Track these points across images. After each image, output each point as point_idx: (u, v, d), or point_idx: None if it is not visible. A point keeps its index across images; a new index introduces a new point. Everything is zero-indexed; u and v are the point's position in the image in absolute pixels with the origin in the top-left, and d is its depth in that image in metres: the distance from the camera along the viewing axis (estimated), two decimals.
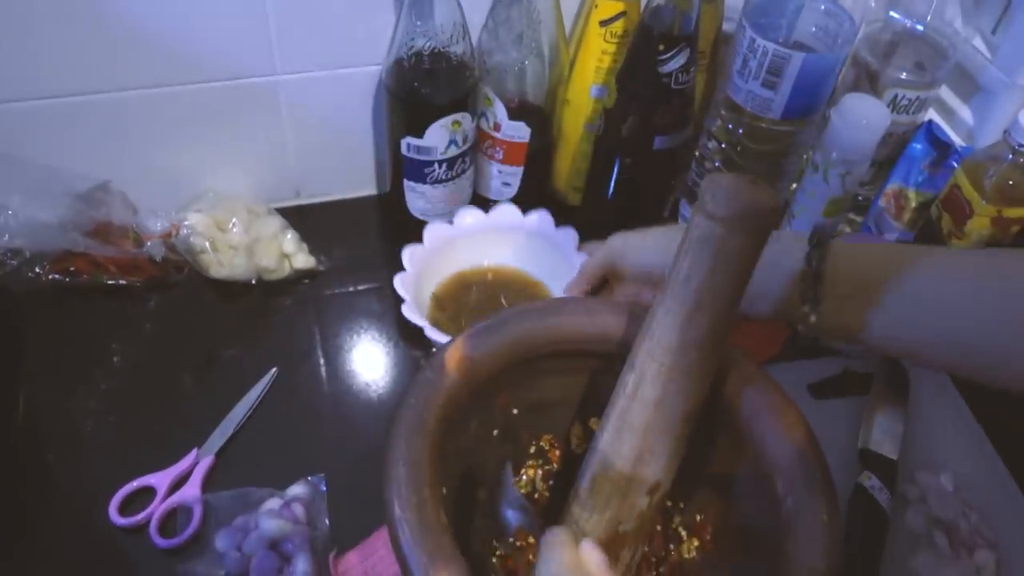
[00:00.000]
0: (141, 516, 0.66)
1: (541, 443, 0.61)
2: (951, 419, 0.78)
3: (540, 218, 0.81)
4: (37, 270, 0.76)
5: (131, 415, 0.74)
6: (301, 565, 0.63)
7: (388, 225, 0.93)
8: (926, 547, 0.69)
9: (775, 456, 0.51)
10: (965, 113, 0.87)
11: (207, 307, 0.82)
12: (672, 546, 0.58)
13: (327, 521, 0.67)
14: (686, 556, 0.58)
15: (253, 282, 0.83)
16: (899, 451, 0.73)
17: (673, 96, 0.75)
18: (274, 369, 0.77)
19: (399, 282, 0.74)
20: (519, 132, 0.82)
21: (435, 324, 0.74)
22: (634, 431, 0.48)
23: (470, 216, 0.81)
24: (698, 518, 0.57)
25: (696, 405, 0.48)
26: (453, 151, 0.79)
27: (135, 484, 0.68)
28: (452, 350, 0.52)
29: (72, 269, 0.78)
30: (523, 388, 0.59)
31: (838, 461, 0.71)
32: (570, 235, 0.79)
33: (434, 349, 0.67)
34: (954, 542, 0.69)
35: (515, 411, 0.60)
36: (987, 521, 0.70)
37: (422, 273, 0.77)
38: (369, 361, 0.79)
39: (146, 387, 0.76)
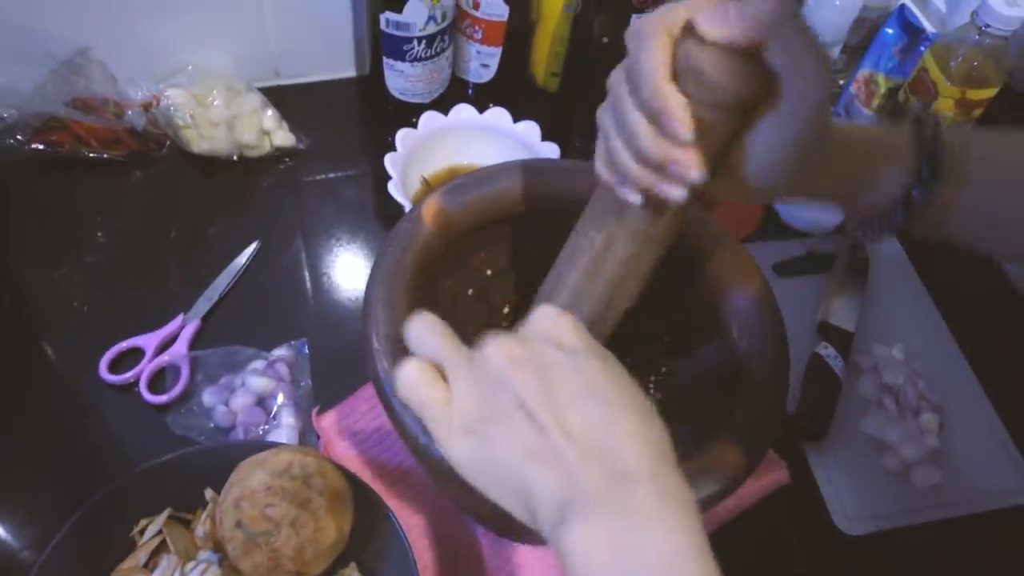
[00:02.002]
0: (130, 374, 0.69)
1: (516, 305, 0.63)
2: (908, 299, 0.82)
3: (527, 128, 0.81)
4: (19, 137, 0.76)
5: (117, 287, 0.76)
6: (286, 419, 0.67)
7: (369, 108, 0.94)
8: (875, 410, 0.74)
9: (732, 306, 0.54)
10: None
11: (189, 182, 0.84)
12: None
13: (309, 381, 0.70)
14: None
15: (235, 158, 0.84)
16: (856, 325, 0.77)
17: None
18: (256, 242, 0.79)
19: (389, 161, 0.76)
20: (498, 10, 0.82)
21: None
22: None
23: (465, 111, 0.82)
24: (659, 368, 0.61)
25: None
26: (432, 28, 0.80)
27: (124, 345, 0.70)
28: (429, 203, 0.54)
29: (54, 139, 0.79)
30: (498, 250, 0.62)
31: (799, 332, 0.76)
32: (553, 150, 0.80)
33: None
34: (902, 405, 0.73)
35: (489, 272, 0.63)
36: (934, 388, 0.75)
37: (410, 157, 0.79)
38: (348, 240, 0.81)
39: (131, 260, 0.78)
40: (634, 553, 0.32)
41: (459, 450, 0.37)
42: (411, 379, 0.38)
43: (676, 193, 0.41)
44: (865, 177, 0.45)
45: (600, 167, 0.45)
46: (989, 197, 0.45)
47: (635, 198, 0.43)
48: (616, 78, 0.42)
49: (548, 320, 0.38)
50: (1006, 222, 0.46)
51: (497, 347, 0.36)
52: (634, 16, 0.79)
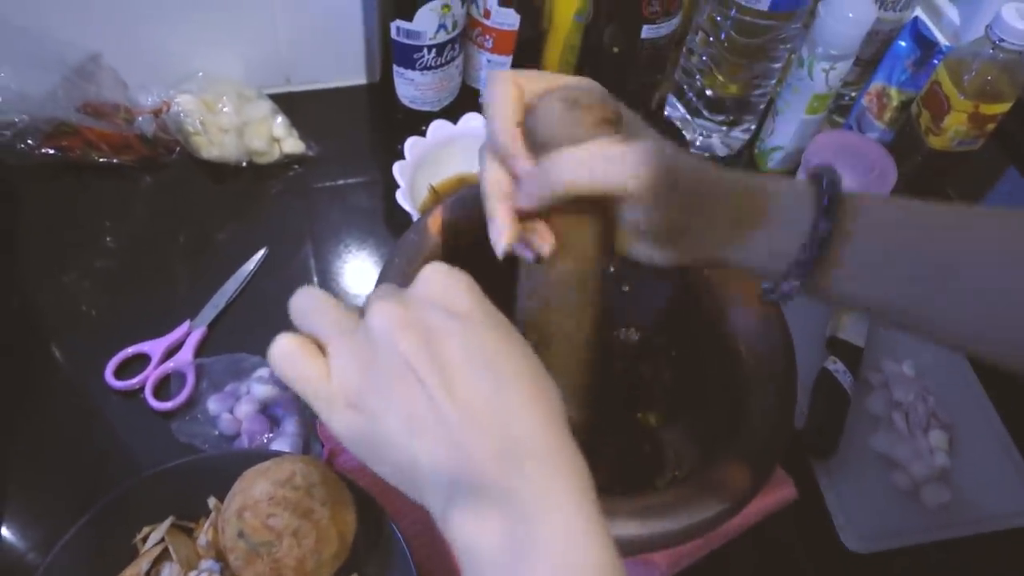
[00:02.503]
0: (136, 380, 0.69)
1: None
2: None
3: None
4: (30, 141, 0.77)
5: (124, 292, 0.76)
6: (290, 427, 0.67)
7: (378, 116, 0.94)
8: (885, 427, 0.73)
9: (740, 324, 0.54)
10: (952, 13, 0.87)
11: (198, 188, 0.84)
12: (640, 413, 0.61)
13: None
14: (653, 423, 0.61)
15: (244, 164, 0.84)
16: (866, 340, 0.76)
17: None
18: (264, 249, 0.79)
19: (397, 170, 0.76)
20: (508, 20, 0.82)
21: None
22: None
23: (475, 120, 0.81)
24: (666, 383, 0.60)
25: None
26: (442, 36, 0.80)
27: (130, 351, 0.70)
28: (435, 214, 0.54)
29: (64, 144, 0.79)
30: (505, 260, 0.62)
31: (808, 348, 0.75)
32: None
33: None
34: (911, 423, 0.72)
35: (497, 283, 0.62)
36: (944, 405, 0.74)
37: (419, 166, 0.78)
38: (356, 247, 0.81)
39: (139, 265, 0.78)
40: (525, 538, 0.30)
41: (341, 423, 0.34)
42: (283, 352, 0.35)
43: (524, 253, 0.43)
44: (770, 223, 0.43)
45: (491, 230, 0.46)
46: (890, 239, 0.42)
47: (500, 251, 0.43)
48: (482, 144, 0.45)
49: (438, 281, 0.35)
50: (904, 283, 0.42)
51: (380, 311, 0.34)
52: (645, 26, 0.79)
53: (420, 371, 0.32)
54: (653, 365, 0.63)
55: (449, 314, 0.34)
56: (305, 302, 0.37)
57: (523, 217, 0.43)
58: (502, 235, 0.42)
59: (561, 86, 0.43)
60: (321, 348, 0.36)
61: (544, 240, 0.42)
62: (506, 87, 0.42)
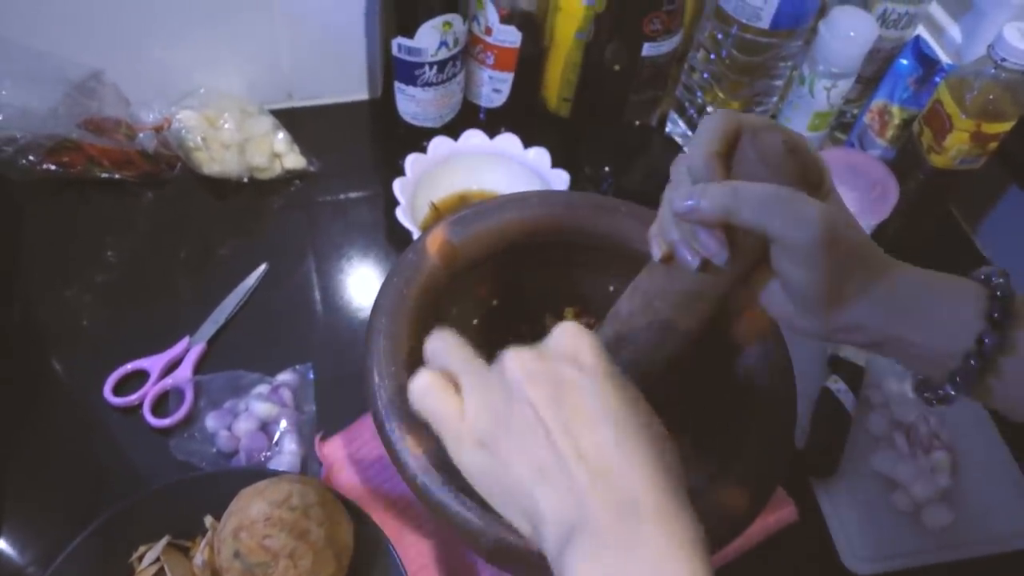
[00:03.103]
0: (135, 397, 0.69)
1: (520, 333, 0.63)
2: None
3: (537, 155, 0.81)
4: (31, 158, 0.77)
5: (125, 307, 0.76)
6: (288, 445, 0.66)
7: (379, 131, 0.94)
8: (886, 446, 0.72)
9: (738, 346, 0.54)
10: (954, 31, 0.87)
11: (200, 203, 0.84)
12: None
13: (314, 407, 0.70)
14: None
15: (245, 180, 0.84)
16: (867, 359, 0.76)
17: (663, 1, 0.75)
18: (264, 265, 0.79)
19: (398, 187, 0.76)
20: (510, 37, 0.82)
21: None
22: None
23: (475, 137, 0.81)
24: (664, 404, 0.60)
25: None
26: (444, 53, 0.80)
27: (128, 367, 0.70)
28: (434, 235, 0.54)
29: (66, 160, 0.79)
30: (503, 279, 0.62)
31: (809, 366, 0.74)
32: (563, 177, 0.80)
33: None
34: (913, 442, 0.72)
35: (495, 302, 0.62)
36: (946, 425, 0.74)
37: (419, 182, 0.78)
38: (358, 263, 0.81)
39: (139, 280, 0.78)
40: None
41: (470, 461, 0.37)
42: (424, 388, 0.38)
43: (688, 257, 0.43)
44: (928, 320, 0.42)
45: (649, 231, 0.47)
46: None
47: (657, 252, 0.45)
48: (677, 159, 0.45)
49: (569, 337, 0.37)
50: None
51: (514, 359, 0.36)
52: (646, 44, 0.79)
53: (549, 423, 0.34)
54: (649, 384, 0.62)
55: (577, 368, 0.36)
56: (440, 343, 0.39)
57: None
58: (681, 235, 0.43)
59: (787, 129, 0.44)
60: (455, 386, 0.38)
61: (722, 245, 0.42)
62: (721, 120, 0.43)
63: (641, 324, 0.48)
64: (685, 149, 0.79)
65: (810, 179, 0.42)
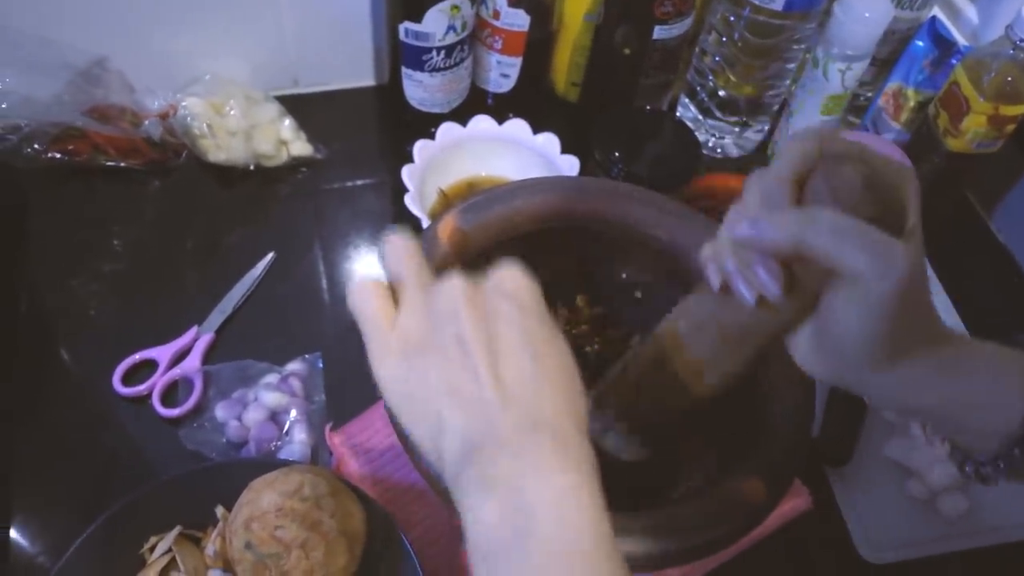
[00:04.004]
0: (143, 387, 0.68)
1: None
2: None
3: (547, 140, 0.80)
4: (36, 146, 0.76)
5: (132, 296, 0.75)
6: (298, 435, 0.66)
7: (386, 117, 0.93)
8: (901, 434, 0.72)
9: None
10: (971, 12, 0.86)
11: (206, 191, 0.83)
12: None
13: (323, 396, 0.69)
14: None
15: (251, 168, 0.83)
16: None
17: None
18: (272, 253, 0.78)
19: (406, 173, 0.75)
20: (518, 20, 0.81)
21: (433, 220, 0.75)
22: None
23: (484, 123, 0.80)
24: None
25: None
26: (451, 38, 0.79)
27: (137, 357, 0.70)
28: (445, 222, 0.53)
29: (71, 148, 0.78)
30: None
31: None
32: (573, 163, 0.79)
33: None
34: (927, 430, 0.71)
35: None
36: None
37: (428, 169, 0.78)
38: (365, 250, 0.81)
39: (146, 269, 0.77)
40: (526, 493, 0.33)
41: (386, 370, 0.37)
42: (362, 291, 0.38)
43: (743, 289, 0.39)
44: (975, 395, 0.40)
45: (703, 249, 0.42)
46: None
47: (714, 280, 0.41)
48: (752, 175, 0.41)
49: (511, 277, 0.38)
50: None
51: (456, 284, 0.37)
52: (657, 27, 0.78)
53: (473, 346, 0.35)
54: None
55: (513, 305, 0.37)
56: (395, 250, 0.40)
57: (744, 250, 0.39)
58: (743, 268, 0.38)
59: (874, 161, 0.38)
60: (396, 296, 0.39)
61: (777, 281, 0.37)
62: (803, 142, 0.38)
63: (688, 349, 0.44)
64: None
65: (891, 221, 0.37)
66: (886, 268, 0.35)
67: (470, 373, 0.35)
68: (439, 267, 0.52)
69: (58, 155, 0.78)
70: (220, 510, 0.60)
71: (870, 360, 0.38)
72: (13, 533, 0.62)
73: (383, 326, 0.37)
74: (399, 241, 0.40)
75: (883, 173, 0.38)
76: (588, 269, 0.62)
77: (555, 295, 0.63)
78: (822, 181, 0.37)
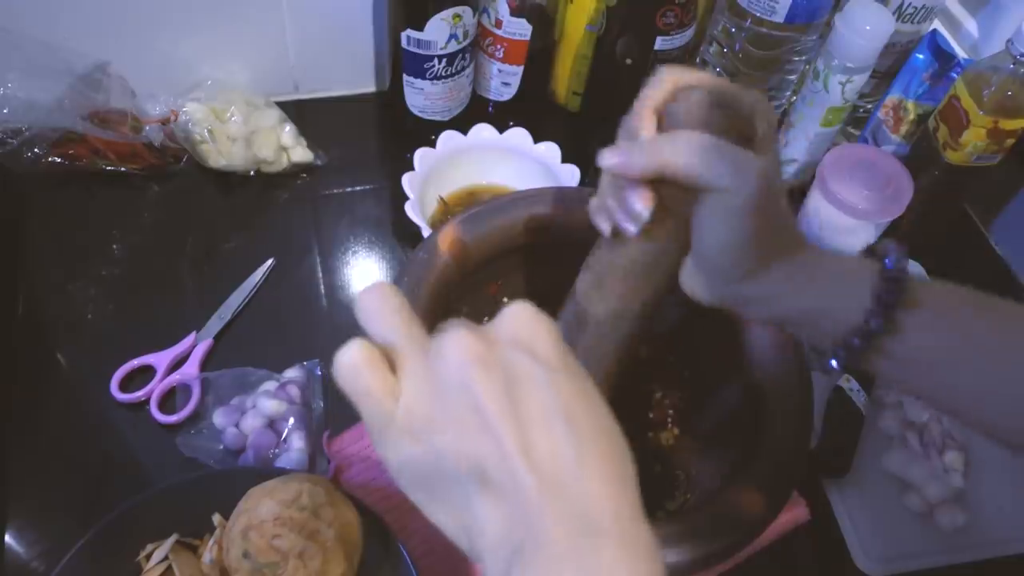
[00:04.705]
0: (141, 393, 0.68)
1: None
2: None
3: (547, 149, 0.80)
4: (36, 151, 0.76)
5: (130, 301, 0.75)
6: (296, 443, 0.66)
7: (387, 125, 0.93)
8: (899, 446, 0.72)
9: (752, 344, 0.53)
10: (971, 25, 0.86)
11: (206, 197, 0.83)
12: (651, 433, 0.60)
13: (321, 403, 0.69)
14: (665, 443, 0.60)
15: (251, 174, 0.83)
16: None
17: None
18: (271, 259, 0.78)
19: (407, 181, 0.75)
20: (520, 29, 0.81)
21: (434, 228, 0.75)
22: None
23: (485, 131, 0.81)
24: (678, 406, 0.59)
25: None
26: (453, 46, 0.79)
27: (135, 363, 0.70)
28: (445, 232, 0.53)
29: (71, 153, 0.78)
30: (514, 277, 0.61)
31: None
32: (573, 172, 0.79)
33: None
34: (926, 443, 0.71)
35: (505, 299, 0.61)
36: (959, 426, 0.73)
37: (428, 177, 0.78)
38: (364, 257, 0.81)
39: (145, 274, 0.77)
40: None
41: (396, 453, 0.31)
42: (352, 363, 0.31)
43: (625, 222, 0.43)
44: (826, 298, 0.43)
45: (591, 203, 0.47)
46: (942, 343, 0.42)
47: (604, 226, 0.45)
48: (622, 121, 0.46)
49: (523, 321, 0.32)
50: (954, 379, 0.42)
51: (460, 341, 0.31)
52: (658, 38, 0.78)
53: (497, 420, 0.29)
54: (665, 383, 0.62)
55: (534, 360, 0.31)
56: (375, 304, 0.32)
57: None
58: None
59: (721, 85, 0.43)
60: (391, 362, 0.32)
61: (646, 203, 0.42)
62: (660, 79, 0.44)
63: (595, 302, 0.48)
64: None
65: (743, 131, 0.42)
66: (744, 177, 0.38)
67: (495, 451, 0.29)
68: (440, 277, 0.52)
69: (58, 159, 0.78)
70: (217, 518, 0.59)
71: (739, 270, 0.42)
72: (8, 538, 0.62)
73: (383, 402, 0.31)
74: (379, 295, 0.33)
75: (729, 93, 0.42)
76: None
77: (555, 304, 0.63)
78: (675, 107, 0.42)
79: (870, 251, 0.44)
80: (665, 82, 0.43)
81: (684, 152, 0.39)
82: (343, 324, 0.75)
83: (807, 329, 0.45)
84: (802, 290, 0.43)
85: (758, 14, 0.75)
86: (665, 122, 0.42)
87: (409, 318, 0.33)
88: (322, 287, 0.78)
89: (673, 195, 0.41)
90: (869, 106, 0.89)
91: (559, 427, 0.30)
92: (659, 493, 0.56)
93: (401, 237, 0.82)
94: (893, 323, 0.40)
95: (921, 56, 0.81)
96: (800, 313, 0.44)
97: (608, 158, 0.41)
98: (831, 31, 0.77)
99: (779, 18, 0.75)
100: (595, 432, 0.31)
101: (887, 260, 0.41)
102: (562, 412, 0.30)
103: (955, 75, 0.79)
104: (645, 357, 0.62)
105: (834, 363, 0.42)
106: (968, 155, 0.76)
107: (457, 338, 0.31)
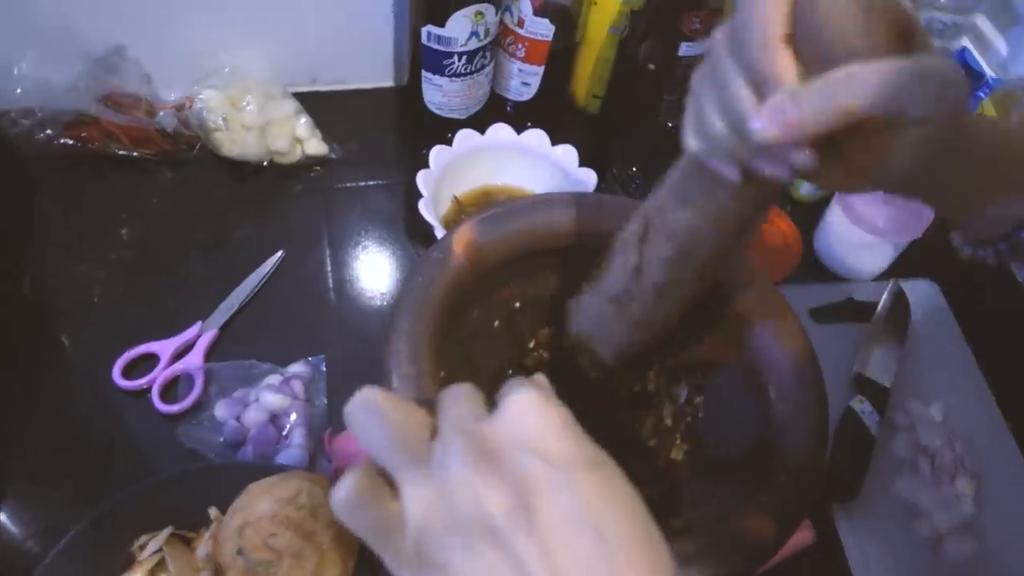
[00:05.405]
0: (144, 380, 0.67)
1: (539, 338, 0.61)
2: (949, 354, 0.79)
3: (565, 152, 0.79)
4: (49, 132, 0.75)
5: (137, 286, 0.74)
6: (297, 439, 0.65)
7: (403, 120, 0.92)
8: (909, 471, 0.70)
9: (769, 361, 0.52)
10: (1000, 43, 0.84)
11: (217, 185, 0.82)
12: (659, 447, 0.59)
13: (325, 400, 0.68)
14: (674, 457, 0.59)
15: (265, 164, 0.83)
16: (893, 380, 0.74)
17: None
18: (281, 252, 0.77)
19: (421, 179, 0.74)
20: (543, 29, 0.80)
21: (447, 228, 0.74)
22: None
23: (502, 131, 0.79)
24: (687, 419, 0.58)
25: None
26: (474, 44, 0.78)
27: (139, 350, 0.69)
28: (461, 233, 0.52)
29: (84, 135, 0.78)
30: (528, 283, 0.60)
31: (833, 384, 0.72)
32: (590, 176, 0.77)
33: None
34: (937, 469, 0.70)
35: (517, 304, 0.60)
36: (972, 452, 0.72)
37: (443, 175, 0.77)
38: (375, 253, 0.80)
39: (153, 260, 0.76)
40: None
41: None
42: (347, 500, 0.29)
43: (780, 171, 0.34)
44: (993, 183, 0.38)
45: (689, 136, 0.38)
46: None
47: (733, 174, 0.36)
48: (718, 36, 0.36)
49: (529, 416, 0.29)
50: None
51: (461, 452, 0.28)
52: (683, 44, 0.77)
53: (512, 537, 0.27)
54: (674, 398, 0.61)
55: (546, 462, 0.28)
56: (369, 415, 0.30)
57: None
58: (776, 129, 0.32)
59: None
60: (389, 480, 0.30)
61: (810, 154, 0.33)
62: None
63: (698, 241, 0.43)
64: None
65: (903, 34, 0.32)
66: (955, 98, 0.31)
67: (516, 573, 0.26)
68: (453, 279, 0.51)
69: (70, 141, 0.78)
70: (214, 512, 0.58)
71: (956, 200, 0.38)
72: (3, 517, 0.61)
73: (389, 537, 0.29)
74: (370, 407, 0.30)
75: None
76: None
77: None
78: (811, 19, 0.32)
79: None
80: None
81: (875, 90, 0.30)
82: (350, 320, 0.74)
83: (966, 213, 0.40)
84: (970, 173, 0.37)
85: None
86: (803, 46, 0.33)
87: (402, 430, 0.30)
88: (331, 281, 0.77)
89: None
90: None
91: (583, 535, 0.27)
92: (664, 511, 0.54)
93: (413, 235, 0.81)
94: None
95: None
96: (960, 194, 0.38)
97: (766, 126, 0.32)
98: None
99: None
100: (628, 535, 0.28)
101: None
102: (584, 517, 0.27)
103: (983, 94, 0.77)
104: (655, 371, 0.61)
105: (991, 252, 0.39)
106: None
107: (458, 448, 0.28)
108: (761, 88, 0.34)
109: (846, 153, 0.34)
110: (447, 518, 0.28)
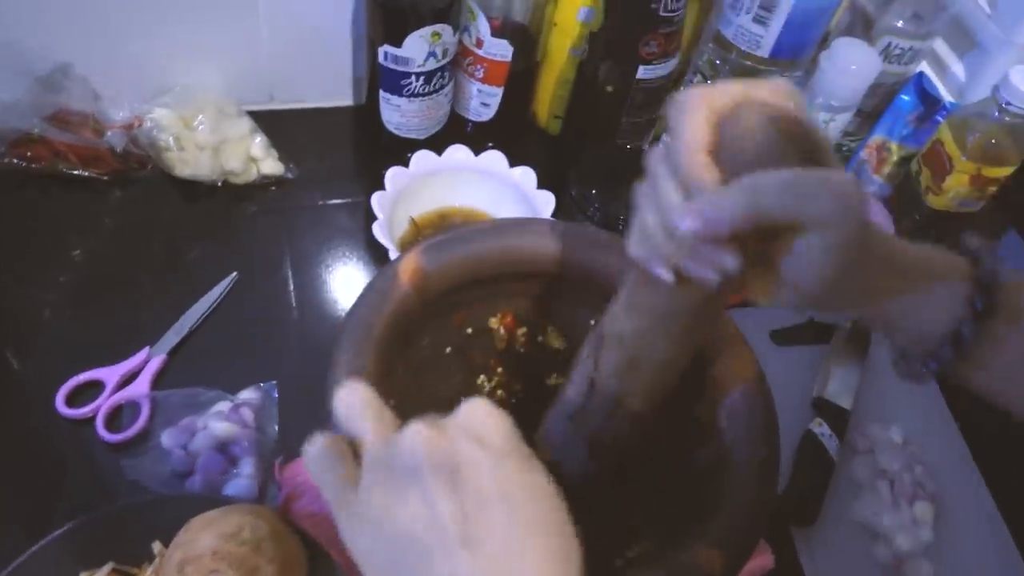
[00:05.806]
0: (88, 409, 0.65)
1: (494, 365, 0.60)
2: None
3: (523, 174, 0.78)
4: None
5: (86, 309, 0.72)
6: (246, 468, 0.63)
7: (362, 139, 0.91)
8: (869, 494, 0.70)
9: (719, 390, 0.51)
10: (958, 68, 0.85)
11: (170, 205, 0.80)
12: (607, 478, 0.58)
13: (276, 428, 0.66)
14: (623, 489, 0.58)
15: (219, 184, 0.81)
16: (853, 403, 0.74)
17: (661, 24, 0.72)
18: (234, 273, 0.75)
19: (376, 201, 0.73)
20: (501, 51, 0.79)
21: (402, 250, 0.72)
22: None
23: (460, 152, 0.79)
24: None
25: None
26: (432, 64, 0.77)
27: (83, 377, 0.67)
28: (407, 261, 0.51)
29: (30, 154, 0.76)
30: (479, 309, 0.59)
31: (792, 407, 0.72)
32: (548, 199, 0.77)
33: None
34: (896, 492, 0.70)
35: (469, 331, 0.59)
36: (931, 475, 0.71)
37: (400, 196, 0.76)
38: (332, 275, 0.78)
39: (103, 282, 0.74)
40: None
41: (357, 539, 0.34)
42: (316, 452, 0.36)
43: (706, 273, 0.37)
44: (913, 300, 0.40)
45: (632, 244, 0.41)
46: None
47: (666, 275, 0.39)
48: (654, 153, 0.40)
49: (477, 415, 0.35)
50: None
51: (415, 436, 0.33)
52: (641, 67, 0.76)
53: (440, 506, 0.32)
54: (617, 424, 0.60)
55: (481, 447, 0.33)
56: (351, 403, 0.36)
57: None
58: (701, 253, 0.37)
59: (759, 100, 0.37)
60: (356, 453, 0.36)
61: (733, 256, 0.36)
62: (697, 106, 0.37)
63: (645, 348, 0.45)
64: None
65: (804, 146, 0.36)
66: (849, 205, 0.34)
67: (440, 540, 0.31)
68: (398, 308, 0.49)
69: (15, 160, 0.75)
70: (157, 546, 0.57)
71: (845, 301, 0.39)
72: None
73: (344, 490, 0.35)
74: (352, 393, 0.37)
75: (783, 109, 0.37)
76: (556, 313, 0.60)
77: (521, 336, 0.61)
78: (734, 138, 0.36)
79: (959, 245, 0.41)
80: (700, 109, 0.37)
81: (777, 194, 0.34)
82: (305, 345, 0.73)
83: (892, 333, 0.42)
84: (889, 292, 0.39)
85: (743, 48, 0.74)
86: (723, 156, 0.37)
87: (379, 413, 0.36)
88: (286, 305, 0.75)
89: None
90: (852, 144, 0.88)
91: (499, 513, 0.31)
92: (608, 543, 0.53)
93: (374, 252, 0.79)
94: (990, 330, 0.38)
95: (907, 98, 0.80)
96: (883, 316, 0.41)
97: (688, 222, 0.35)
98: (816, 69, 0.75)
99: (764, 53, 0.73)
100: (536, 519, 0.32)
101: (984, 261, 0.39)
102: (504, 499, 0.32)
103: (940, 119, 0.78)
104: None
105: (924, 370, 0.40)
106: (950, 200, 0.75)
107: (413, 433, 0.33)
108: (690, 193, 0.37)
109: (772, 263, 0.37)
110: (393, 482, 0.33)
